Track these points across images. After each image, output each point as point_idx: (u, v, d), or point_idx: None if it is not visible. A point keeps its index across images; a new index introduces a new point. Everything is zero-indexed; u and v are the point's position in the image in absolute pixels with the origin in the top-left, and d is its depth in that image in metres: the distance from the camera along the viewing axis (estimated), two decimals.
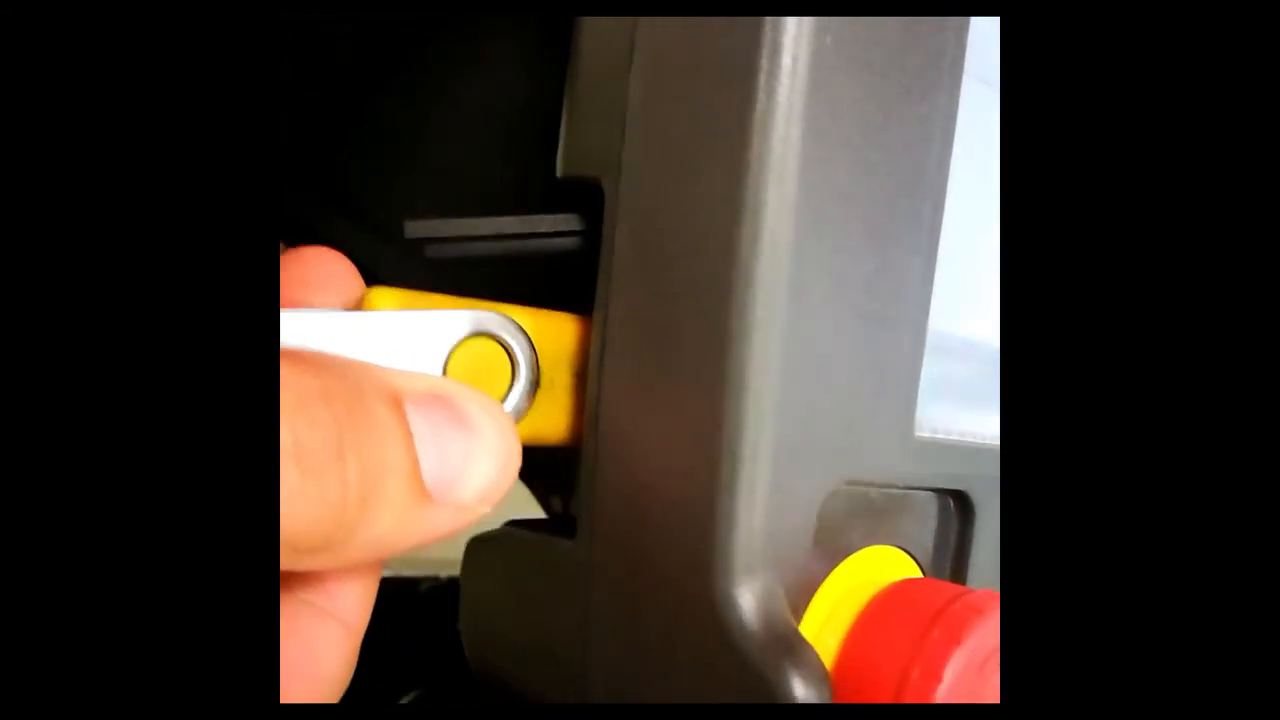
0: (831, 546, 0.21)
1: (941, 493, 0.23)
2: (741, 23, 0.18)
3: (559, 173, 0.22)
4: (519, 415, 0.21)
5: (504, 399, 0.21)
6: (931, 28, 0.20)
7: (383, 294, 0.20)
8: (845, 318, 0.19)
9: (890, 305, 0.20)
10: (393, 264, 0.29)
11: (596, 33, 0.21)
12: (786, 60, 0.18)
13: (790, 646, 0.18)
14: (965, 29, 0.21)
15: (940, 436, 0.22)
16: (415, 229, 0.23)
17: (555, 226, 0.23)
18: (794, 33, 0.18)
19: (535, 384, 0.21)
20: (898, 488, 0.22)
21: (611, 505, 0.20)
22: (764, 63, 0.18)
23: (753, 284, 0.18)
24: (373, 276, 0.33)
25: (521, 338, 0.21)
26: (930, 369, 0.23)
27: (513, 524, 0.24)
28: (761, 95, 0.18)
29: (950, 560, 0.24)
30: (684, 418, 0.19)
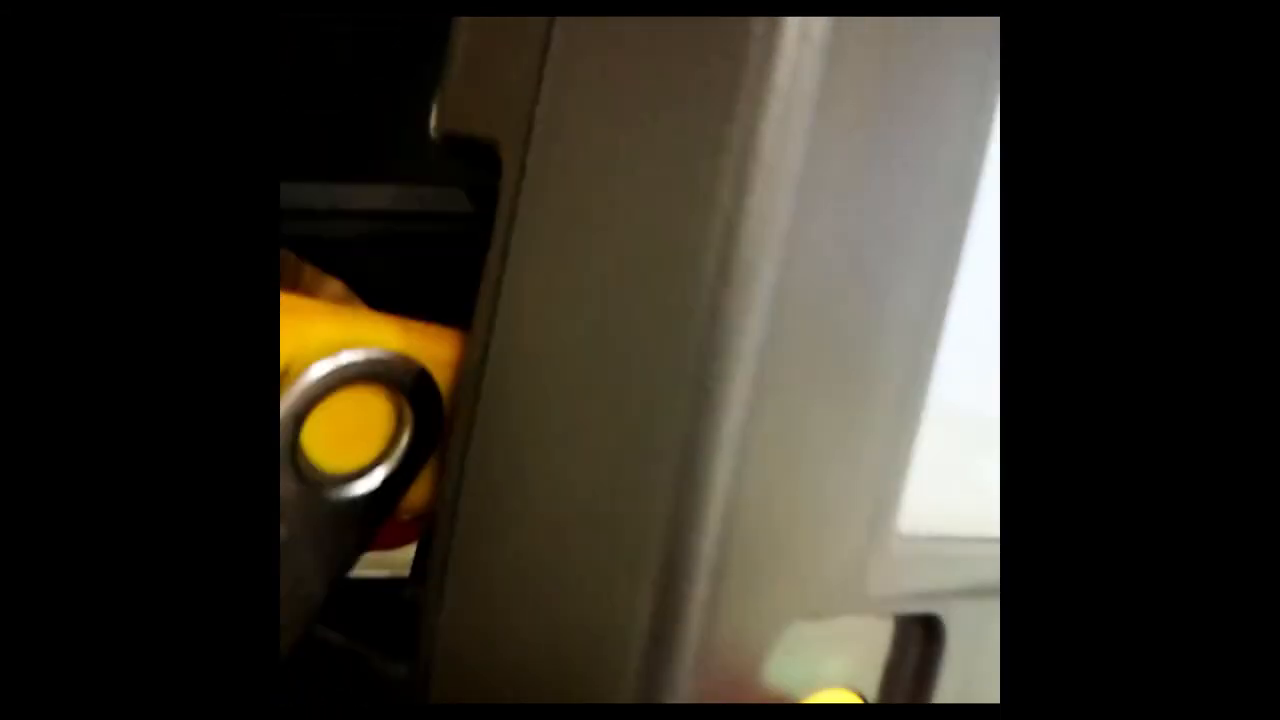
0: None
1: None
2: None
3: (433, 131, 0.15)
4: (406, 483, 0.15)
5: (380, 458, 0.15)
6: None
7: None
8: (823, 388, 0.14)
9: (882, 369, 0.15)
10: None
11: None
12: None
13: None
14: None
15: (922, 537, 0.17)
16: None
17: (434, 205, 0.16)
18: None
19: (433, 439, 0.15)
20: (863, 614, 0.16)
21: (469, 621, 0.14)
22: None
23: (722, 328, 0.12)
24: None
25: (414, 380, 0.15)
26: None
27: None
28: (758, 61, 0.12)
29: (907, 689, 0.18)
30: (591, 515, 0.13)
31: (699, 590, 0.13)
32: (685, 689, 0.13)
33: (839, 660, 0.17)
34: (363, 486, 0.15)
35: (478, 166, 0.15)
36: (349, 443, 0.15)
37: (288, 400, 0.14)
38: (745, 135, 0.12)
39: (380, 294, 0.17)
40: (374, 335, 0.15)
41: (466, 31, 0.15)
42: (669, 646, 0.12)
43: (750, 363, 0.13)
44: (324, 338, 0.15)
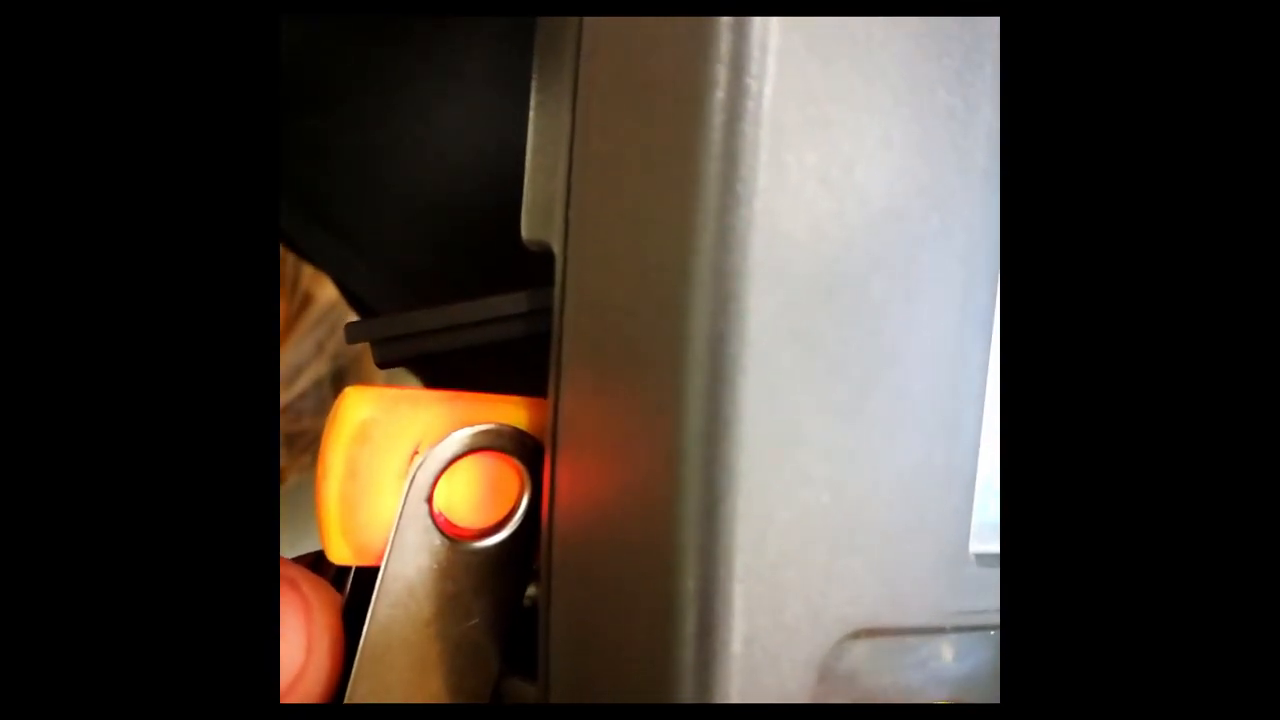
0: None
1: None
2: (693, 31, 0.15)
3: (523, 235, 0.18)
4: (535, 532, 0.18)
5: (510, 516, 0.18)
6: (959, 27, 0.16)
7: (356, 394, 0.18)
8: (839, 398, 0.15)
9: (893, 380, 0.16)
10: (362, 275, 0.29)
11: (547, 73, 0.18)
12: (752, 83, 0.14)
13: None
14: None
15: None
16: (355, 332, 0.20)
17: (509, 309, 0.19)
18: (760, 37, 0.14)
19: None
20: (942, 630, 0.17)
21: (568, 643, 0.16)
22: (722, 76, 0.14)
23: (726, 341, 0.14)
24: (344, 287, 0.32)
25: (527, 447, 0.18)
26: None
27: None
28: (718, 124, 0.14)
29: None
30: (638, 553, 0.15)
31: (733, 611, 0.14)
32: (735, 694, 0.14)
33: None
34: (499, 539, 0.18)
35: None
36: (481, 503, 0.18)
37: (425, 470, 0.18)
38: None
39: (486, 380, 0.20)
40: (485, 413, 0.18)
41: (529, 152, 0.18)
42: (706, 656, 0.14)
43: (772, 375, 0.14)
44: (442, 419, 0.18)
